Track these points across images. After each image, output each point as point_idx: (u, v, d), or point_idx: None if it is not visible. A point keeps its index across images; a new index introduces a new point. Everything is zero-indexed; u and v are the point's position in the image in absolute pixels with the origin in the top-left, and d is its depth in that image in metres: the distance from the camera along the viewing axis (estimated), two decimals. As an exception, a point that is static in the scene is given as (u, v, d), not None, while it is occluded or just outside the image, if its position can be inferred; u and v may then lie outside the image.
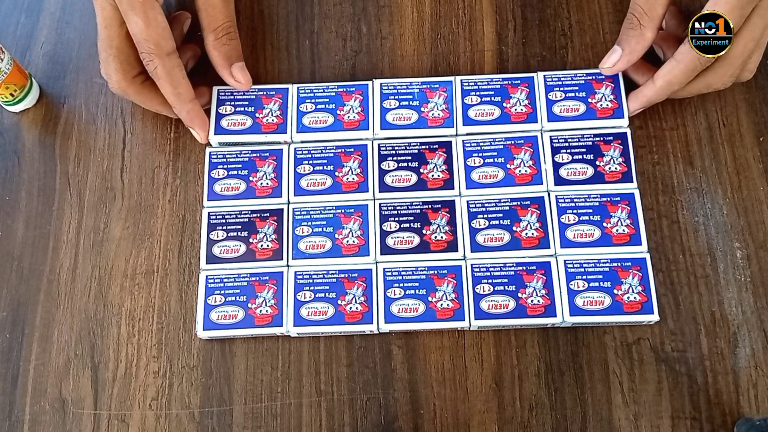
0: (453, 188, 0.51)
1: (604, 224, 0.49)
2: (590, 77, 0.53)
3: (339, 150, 0.52)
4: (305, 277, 0.49)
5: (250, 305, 0.49)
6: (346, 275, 0.49)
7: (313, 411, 0.47)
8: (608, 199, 0.50)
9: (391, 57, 0.56)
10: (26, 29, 0.58)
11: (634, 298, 0.47)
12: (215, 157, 0.53)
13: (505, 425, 0.46)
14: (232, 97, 0.54)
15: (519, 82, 0.53)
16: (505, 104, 0.53)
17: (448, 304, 0.48)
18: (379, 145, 0.52)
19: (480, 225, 0.50)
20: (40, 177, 0.54)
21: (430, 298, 0.48)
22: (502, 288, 0.48)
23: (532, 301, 0.48)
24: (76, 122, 0.55)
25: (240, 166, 0.52)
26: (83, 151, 0.55)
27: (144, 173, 0.54)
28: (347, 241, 0.50)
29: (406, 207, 0.50)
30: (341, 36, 0.57)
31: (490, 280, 0.48)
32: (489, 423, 0.46)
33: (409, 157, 0.52)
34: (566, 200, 0.50)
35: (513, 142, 0.51)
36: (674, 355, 0.47)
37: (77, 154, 0.54)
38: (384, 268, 0.49)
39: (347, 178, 0.51)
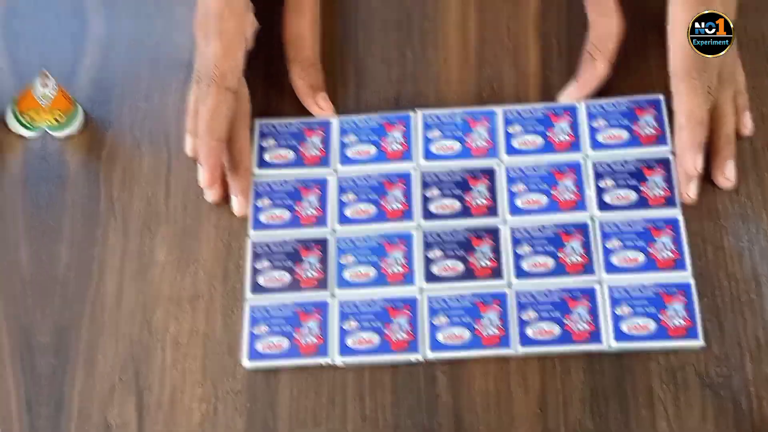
0: (497, 215, 0.58)
1: (649, 249, 0.56)
2: (633, 104, 0.60)
3: (383, 178, 0.59)
4: (350, 306, 0.56)
5: (295, 335, 0.55)
6: (392, 304, 0.56)
7: None
8: (652, 224, 0.57)
9: (435, 83, 0.64)
10: (72, 55, 0.66)
11: (679, 323, 0.54)
12: (260, 186, 0.60)
13: (550, 451, 0.53)
14: (275, 130, 0.61)
15: (562, 110, 0.60)
16: (548, 133, 0.60)
17: (493, 331, 0.55)
18: (422, 172, 0.59)
19: (524, 251, 0.57)
20: (85, 202, 0.61)
21: (475, 326, 0.55)
22: (547, 314, 0.55)
23: (577, 327, 0.54)
24: (120, 147, 0.63)
25: (285, 195, 0.59)
26: (128, 176, 0.62)
27: (188, 199, 0.61)
28: (392, 270, 0.57)
29: (450, 234, 0.57)
30: (386, 62, 0.65)
31: (535, 307, 0.55)
32: (534, 449, 0.53)
33: (453, 185, 0.59)
34: (610, 226, 0.57)
35: (556, 168, 0.59)
36: (719, 380, 0.53)
37: (122, 179, 0.62)
38: (429, 296, 0.56)
39: (391, 207, 0.59)
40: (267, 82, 0.64)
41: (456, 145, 0.60)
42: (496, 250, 0.57)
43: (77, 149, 0.63)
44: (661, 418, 0.53)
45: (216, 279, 0.58)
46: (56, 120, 0.60)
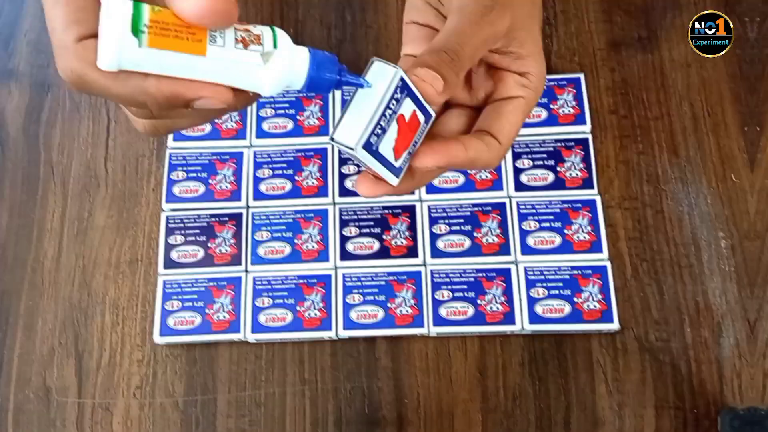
0: (413, 193, 0.62)
1: (565, 231, 0.60)
2: (552, 83, 0.64)
3: (299, 154, 0.63)
4: (264, 282, 0.60)
5: (207, 311, 0.59)
6: (305, 281, 0.60)
7: (296, 400, 0.59)
8: (569, 205, 0.60)
9: (375, 46, 0.68)
10: (10, 18, 0.71)
11: (594, 306, 0.58)
12: (174, 158, 0.63)
13: (489, 414, 0.57)
14: None
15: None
16: None
17: (407, 311, 0.59)
18: (339, 149, 0.63)
19: (440, 230, 0.60)
20: (24, 166, 0.66)
21: (389, 305, 0.59)
22: (461, 294, 0.58)
23: (491, 308, 0.58)
24: (60, 110, 0.68)
25: (199, 168, 0.63)
26: (67, 139, 0.67)
27: (128, 162, 0.65)
28: (306, 246, 0.61)
29: (366, 212, 0.61)
30: (325, 25, 0.69)
31: (449, 287, 0.59)
32: (473, 412, 0.57)
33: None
34: (527, 206, 0.60)
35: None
36: (658, 344, 0.58)
37: (61, 143, 0.66)
38: (343, 274, 0.60)
39: (307, 182, 0.62)
40: None
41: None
42: (413, 229, 0.61)
43: (16, 113, 0.68)
44: (601, 381, 0.58)
45: (155, 242, 0.61)
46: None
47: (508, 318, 0.58)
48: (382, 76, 0.34)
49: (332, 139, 0.34)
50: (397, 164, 0.37)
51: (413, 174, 0.39)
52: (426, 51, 0.37)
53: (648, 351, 0.58)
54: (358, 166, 0.61)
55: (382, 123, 0.34)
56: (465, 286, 0.58)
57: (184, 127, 0.38)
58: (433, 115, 0.38)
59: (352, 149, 0.34)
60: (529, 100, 0.41)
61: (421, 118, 0.37)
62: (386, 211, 0.61)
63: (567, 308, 0.57)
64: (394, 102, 0.35)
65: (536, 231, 0.60)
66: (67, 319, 0.61)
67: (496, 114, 0.40)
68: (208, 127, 0.64)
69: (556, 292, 0.58)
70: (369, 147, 0.34)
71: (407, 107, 0.36)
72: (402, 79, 0.35)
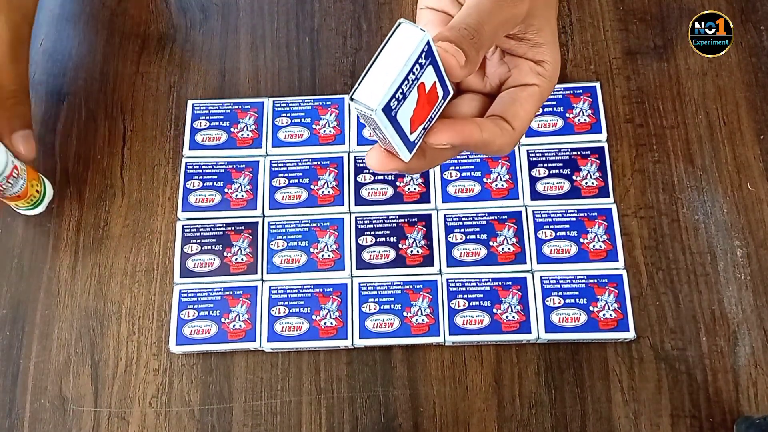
0: (429, 201, 0.63)
1: (581, 240, 0.61)
2: (568, 92, 0.65)
3: (315, 163, 0.64)
4: (279, 291, 0.61)
5: (223, 320, 0.60)
6: (321, 290, 0.61)
7: (312, 409, 0.60)
8: (585, 214, 0.61)
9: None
10: None
11: (610, 315, 0.59)
12: (191, 167, 0.65)
13: (505, 423, 0.58)
14: (207, 111, 0.66)
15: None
16: None
17: (423, 320, 0.60)
18: (355, 157, 0.64)
19: (456, 239, 0.61)
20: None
21: (405, 314, 0.60)
22: (477, 303, 0.59)
23: (507, 317, 0.59)
24: (75, 120, 0.69)
25: (215, 177, 0.64)
26: (83, 149, 0.67)
27: (144, 171, 0.66)
28: (322, 256, 0.62)
29: (382, 221, 0.62)
30: (341, 33, 0.70)
31: (465, 296, 0.60)
32: (489, 421, 0.58)
33: (387, 170, 0.63)
34: (543, 215, 0.61)
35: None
36: (674, 353, 0.59)
37: (77, 152, 0.67)
38: (359, 283, 0.61)
39: (323, 192, 0.63)
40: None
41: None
42: (428, 238, 0.62)
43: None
44: (616, 390, 0.59)
45: (171, 251, 0.63)
46: (27, 203, 0.63)
47: (524, 327, 0.58)
48: (408, 38, 0.34)
49: (351, 99, 0.34)
50: (411, 138, 0.36)
51: (425, 153, 0.39)
52: (446, 28, 0.37)
53: (664, 360, 0.59)
54: (374, 174, 0.63)
55: (404, 87, 0.34)
56: (481, 295, 0.59)
57: None
58: (452, 92, 0.38)
59: (372, 110, 0.33)
60: (543, 89, 0.41)
61: (440, 92, 0.37)
62: (402, 220, 0.62)
63: (583, 317, 0.58)
64: (417, 67, 0.34)
65: (552, 240, 0.60)
66: (83, 328, 0.62)
67: (511, 100, 0.40)
68: (224, 136, 0.65)
69: (572, 301, 0.59)
70: (388, 111, 0.34)
71: (428, 77, 0.35)
72: (428, 44, 0.34)
